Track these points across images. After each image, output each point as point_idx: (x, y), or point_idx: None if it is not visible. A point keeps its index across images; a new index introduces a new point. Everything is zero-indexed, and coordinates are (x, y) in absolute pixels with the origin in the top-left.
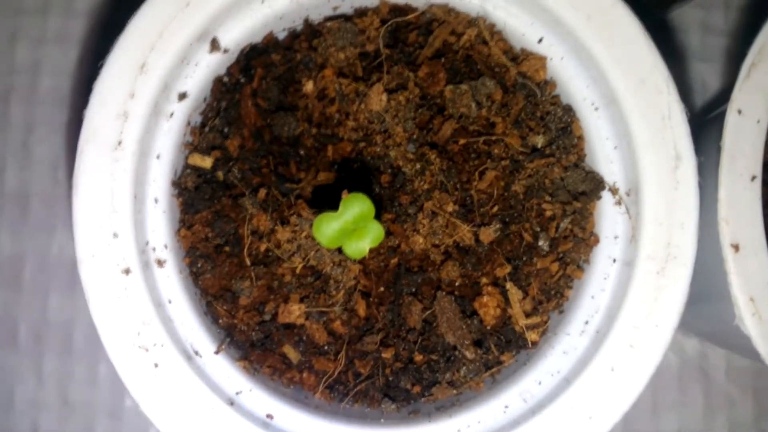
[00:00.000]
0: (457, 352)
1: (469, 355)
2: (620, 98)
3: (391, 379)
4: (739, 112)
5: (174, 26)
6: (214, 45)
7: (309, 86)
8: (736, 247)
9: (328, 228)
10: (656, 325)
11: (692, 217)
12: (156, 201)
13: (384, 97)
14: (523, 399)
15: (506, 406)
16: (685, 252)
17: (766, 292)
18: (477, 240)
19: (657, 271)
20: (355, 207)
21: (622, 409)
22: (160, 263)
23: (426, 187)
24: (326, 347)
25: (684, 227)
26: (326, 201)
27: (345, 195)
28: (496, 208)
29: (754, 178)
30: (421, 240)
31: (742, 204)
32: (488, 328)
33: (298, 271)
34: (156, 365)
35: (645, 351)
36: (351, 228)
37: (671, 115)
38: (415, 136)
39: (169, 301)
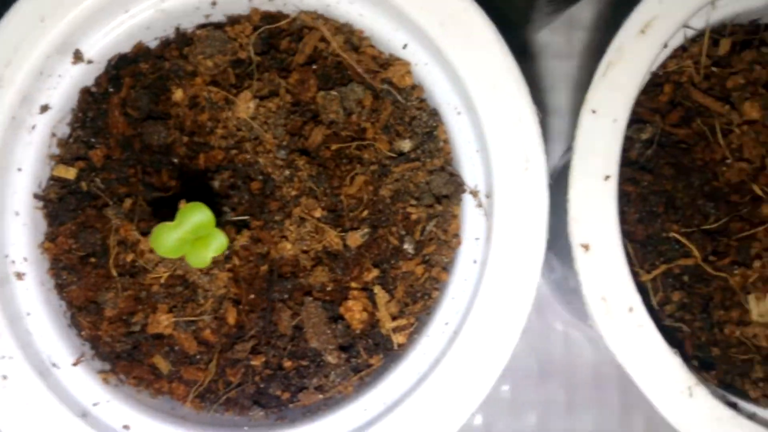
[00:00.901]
0: (323, 357)
1: (331, 360)
2: (475, 102)
3: (261, 386)
4: (594, 111)
5: (29, 41)
6: (77, 56)
7: (178, 94)
8: (586, 247)
9: (166, 238)
10: (503, 325)
11: (541, 217)
12: (17, 214)
13: (252, 104)
14: (382, 401)
15: (365, 409)
16: (533, 253)
17: (617, 292)
18: (345, 245)
19: (506, 272)
20: (194, 216)
21: (470, 409)
22: (20, 276)
23: (294, 193)
24: (197, 356)
25: (532, 228)
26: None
27: (182, 205)
28: (365, 213)
29: (607, 177)
30: (289, 246)
31: (594, 204)
32: (357, 332)
33: (163, 280)
34: (4, 377)
35: (493, 350)
36: (191, 237)
37: (522, 118)
38: (285, 143)
39: (28, 314)
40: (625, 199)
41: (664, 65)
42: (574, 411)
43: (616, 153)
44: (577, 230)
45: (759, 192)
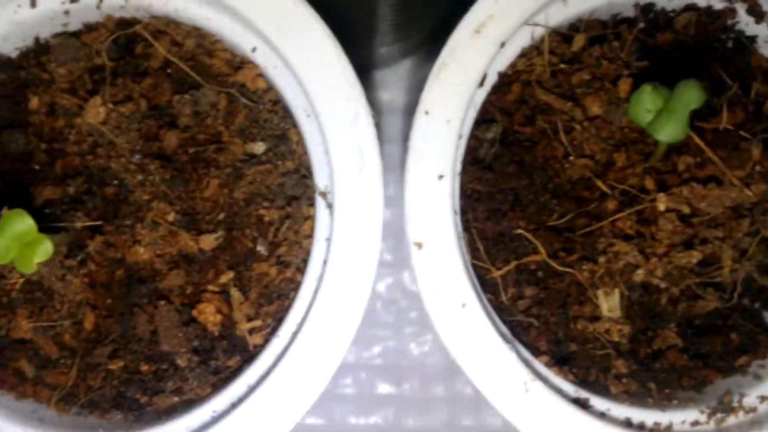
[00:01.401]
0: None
1: (182, 363)
2: (315, 104)
3: (120, 389)
4: (427, 113)
5: None
6: None
7: (34, 102)
8: (419, 245)
9: None
10: (339, 323)
11: (376, 217)
12: None
13: (102, 109)
14: (230, 401)
15: (214, 410)
16: (369, 252)
17: (450, 289)
18: (200, 248)
19: (344, 271)
20: (14, 224)
21: (304, 407)
22: None
23: (147, 197)
24: (60, 360)
25: (368, 227)
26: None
27: (5, 212)
28: (220, 216)
29: (441, 177)
30: (142, 250)
31: (428, 203)
32: (215, 334)
33: (19, 286)
34: None
35: (328, 348)
36: (18, 244)
37: (357, 119)
38: (139, 147)
39: None
40: (474, 197)
41: (513, 64)
42: (482, 407)
43: (450, 153)
44: (412, 229)
45: (603, 187)
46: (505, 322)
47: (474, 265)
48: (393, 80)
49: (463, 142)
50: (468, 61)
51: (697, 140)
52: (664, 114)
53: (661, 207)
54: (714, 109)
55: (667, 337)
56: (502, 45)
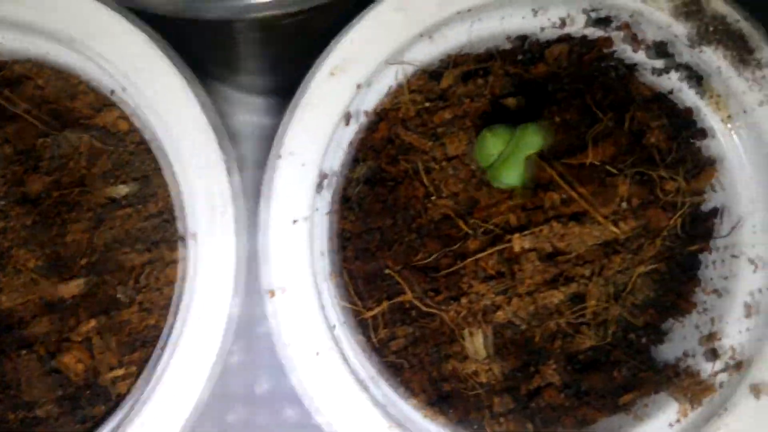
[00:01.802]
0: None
1: (44, 413)
2: (170, 148)
3: None
4: (280, 156)
5: None
6: None
7: None
8: (272, 293)
9: None
10: (193, 369)
11: (230, 263)
12: None
13: None
14: None
15: None
16: (221, 300)
17: (304, 336)
18: (62, 296)
19: (197, 317)
20: None
21: None
22: None
23: (8, 244)
24: None
25: (222, 274)
26: None
27: None
28: (83, 262)
29: (295, 221)
30: (4, 298)
31: (282, 248)
32: (79, 383)
33: None
34: None
35: (183, 395)
36: None
37: (211, 163)
38: (2, 193)
39: None
40: (345, 237)
41: (381, 103)
42: None
43: (306, 196)
44: (265, 276)
45: (464, 227)
46: (379, 363)
47: (345, 307)
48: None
49: (335, 182)
50: (323, 104)
51: (557, 178)
52: (502, 159)
53: (516, 247)
54: (585, 142)
55: (545, 375)
56: (359, 86)
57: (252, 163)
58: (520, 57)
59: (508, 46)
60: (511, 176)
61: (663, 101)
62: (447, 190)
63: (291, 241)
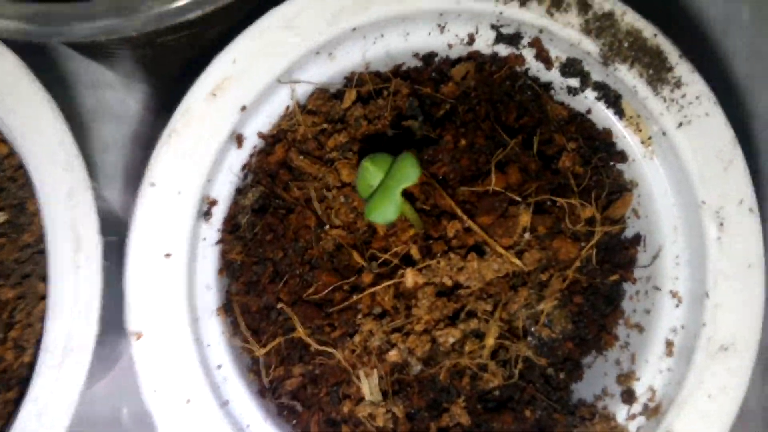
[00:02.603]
0: None
1: None
2: (32, 174)
3: None
4: (153, 184)
5: None
6: None
7: None
8: (138, 335)
9: None
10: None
11: (93, 303)
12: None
13: None
14: None
15: None
16: (82, 343)
17: (174, 383)
18: None
19: (56, 365)
20: None
21: None
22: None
23: None
24: None
25: (85, 314)
26: None
27: None
28: None
29: (168, 255)
30: None
31: (152, 285)
32: None
33: None
34: None
35: None
36: None
37: (74, 193)
38: None
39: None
40: (235, 268)
41: (278, 124)
42: None
43: (183, 227)
44: (132, 317)
45: (359, 260)
46: (272, 404)
47: (239, 345)
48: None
49: (222, 209)
50: (203, 127)
51: (454, 207)
52: (377, 192)
53: (409, 282)
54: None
55: (454, 414)
56: (243, 108)
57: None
58: (433, 75)
59: (416, 64)
60: (385, 212)
61: (580, 122)
62: (340, 220)
63: (163, 276)
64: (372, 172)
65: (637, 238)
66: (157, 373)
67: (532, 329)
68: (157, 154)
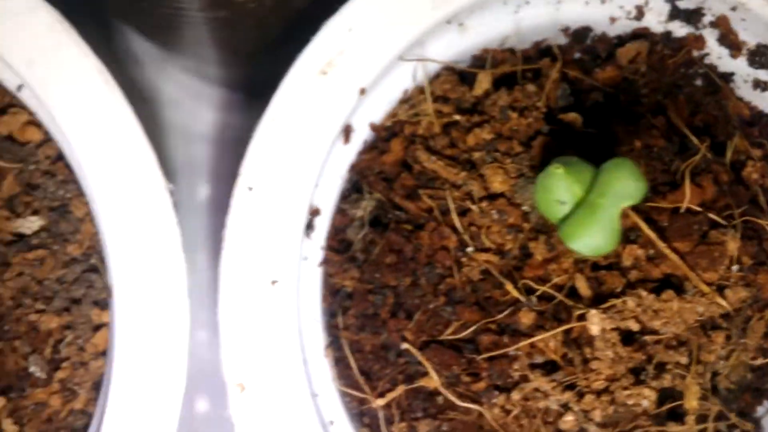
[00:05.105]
0: None
1: None
2: (84, 167)
3: None
4: (251, 189)
5: None
6: None
7: None
8: (241, 386)
9: None
10: None
11: (180, 339)
12: None
13: None
14: None
15: None
16: (169, 386)
17: None
18: None
19: (140, 405)
20: None
21: None
22: None
23: None
24: None
25: (166, 350)
26: None
27: None
28: None
29: (275, 282)
30: None
31: (254, 322)
32: None
33: None
34: None
35: None
36: None
37: (142, 192)
38: None
39: None
40: (342, 296)
41: (393, 113)
42: None
43: (291, 244)
44: (231, 364)
45: (514, 292)
46: None
47: (345, 393)
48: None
49: (326, 221)
50: (312, 114)
51: (644, 228)
52: (582, 212)
53: (594, 330)
54: (675, 178)
55: None
56: (362, 91)
57: (219, 178)
58: (578, 56)
59: (563, 41)
60: (597, 239)
61: (766, 124)
62: (490, 241)
63: (269, 310)
64: (565, 184)
65: None
66: None
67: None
68: (254, 148)
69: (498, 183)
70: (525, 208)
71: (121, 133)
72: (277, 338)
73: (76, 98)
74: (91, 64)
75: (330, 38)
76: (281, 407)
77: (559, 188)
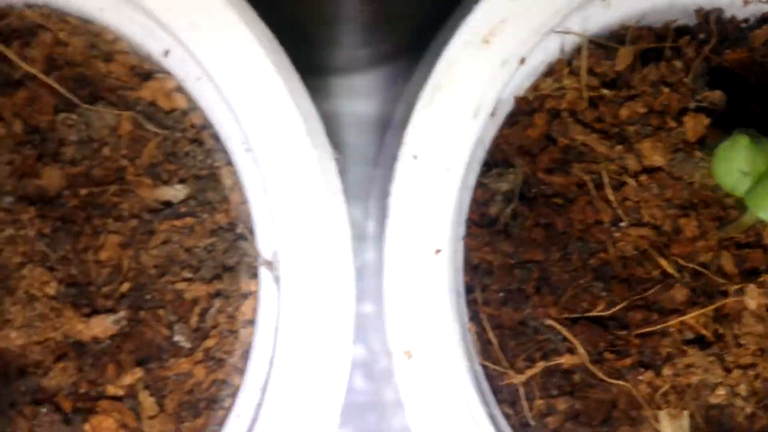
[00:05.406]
0: None
1: None
2: (249, 136)
3: None
4: (415, 157)
5: None
6: None
7: None
8: (408, 354)
9: None
10: None
11: (345, 298)
12: None
13: None
14: None
15: None
16: (334, 349)
17: (449, 416)
18: (94, 334)
19: (299, 376)
20: None
21: None
22: None
23: (18, 260)
24: None
25: (330, 312)
26: None
27: None
28: (124, 288)
29: (438, 251)
30: (14, 334)
31: (419, 290)
32: None
33: None
34: None
35: None
36: None
37: (310, 158)
38: (9, 187)
39: None
40: (483, 271)
41: (535, 86)
42: None
43: (449, 216)
44: (396, 331)
45: (668, 269)
46: None
47: (484, 368)
48: (367, 88)
49: (468, 195)
50: (473, 84)
51: None
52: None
53: (752, 305)
54: None
55: None
56: (522, 61)
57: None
58: (702, 36)
59: (691, 21)
60: None
61: None
62: (648, 215)
63: (431, 279)
64: (750, 154)
65: None
66: (428, 403)
67: None
68: (417, 117)
69: (657, 156)
70: (682, 185)
71: (288, 100)
72: (437, 308)
73: (241, 66)
74: (261, 30)
75: (494, 6)
76: (444, 375)
77: (744, 158)
